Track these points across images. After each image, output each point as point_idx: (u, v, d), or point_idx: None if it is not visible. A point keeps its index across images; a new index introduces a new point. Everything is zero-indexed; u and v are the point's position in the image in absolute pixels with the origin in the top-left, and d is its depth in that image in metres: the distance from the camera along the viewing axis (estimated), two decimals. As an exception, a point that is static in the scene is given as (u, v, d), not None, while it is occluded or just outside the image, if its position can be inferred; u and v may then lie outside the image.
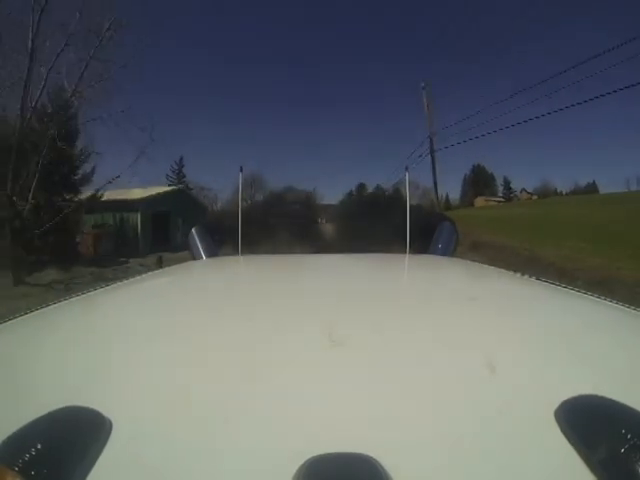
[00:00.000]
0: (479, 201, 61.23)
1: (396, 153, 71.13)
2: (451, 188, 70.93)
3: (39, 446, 0.23)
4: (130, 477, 0.24)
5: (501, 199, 63.45)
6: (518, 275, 0.86)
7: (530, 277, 0.83)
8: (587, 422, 0.27)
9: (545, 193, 64.68)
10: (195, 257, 1.33)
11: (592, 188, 67.48)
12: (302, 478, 0.22)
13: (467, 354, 0.39)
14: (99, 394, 0.33)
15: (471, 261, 1.15)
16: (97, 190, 12.45)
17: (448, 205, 56.54)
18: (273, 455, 0.25)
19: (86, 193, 12.64)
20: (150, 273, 0.98)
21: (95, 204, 12.77)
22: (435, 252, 1.38)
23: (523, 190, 69.39)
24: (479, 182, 67.40)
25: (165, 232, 17.25)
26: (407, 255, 1.44)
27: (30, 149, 9.29)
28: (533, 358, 0.39)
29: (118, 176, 11.51)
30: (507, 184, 70.47)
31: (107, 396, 0.32)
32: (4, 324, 0.54)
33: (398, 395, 0.32)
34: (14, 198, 8.96)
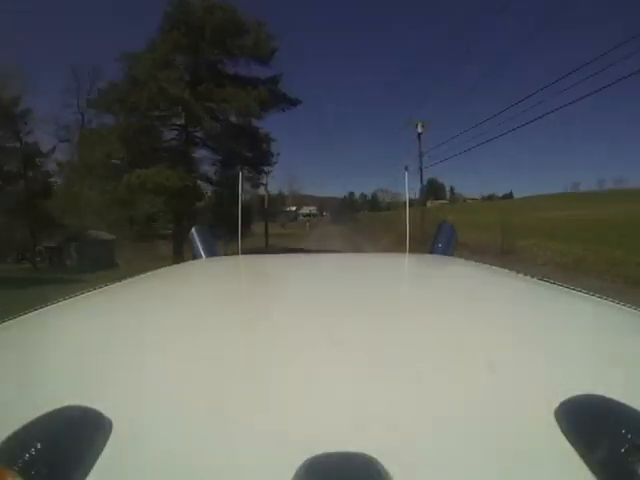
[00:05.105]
0: (429, 202, 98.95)
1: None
2: (413, 193, 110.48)
3: (39, 446, 0.23)
4: (130, 477, 0.24)
5: (445, 202, 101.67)
6: (519, 275, 0.88)
7: (531, 277, 0.84)
8: (587, 422, 0.27)
9: (455, 200, 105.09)
10: (195, 257, 1.31)
11: (509, 195, 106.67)
12: (302, 478, 0.22)
13: (467, 354, 0.40)
14: (99, 394, 0.33)
15: (471, 261, 1.16)
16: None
17: (411, 204, 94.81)
18: (273, 455, 0.26)
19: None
20: (150, 273, 0.96)
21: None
22: (435, 252, 1.35)
23: (460, 195, 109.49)
24: (431, 190, 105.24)
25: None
26: (407, 255, 1.46)
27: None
28: (533, 358, 0.39)
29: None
30: (452, 191, 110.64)
31: (107, 396, 0.32)
32: (4, 324, 0.53)
33: (398, 395, 0.32)
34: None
